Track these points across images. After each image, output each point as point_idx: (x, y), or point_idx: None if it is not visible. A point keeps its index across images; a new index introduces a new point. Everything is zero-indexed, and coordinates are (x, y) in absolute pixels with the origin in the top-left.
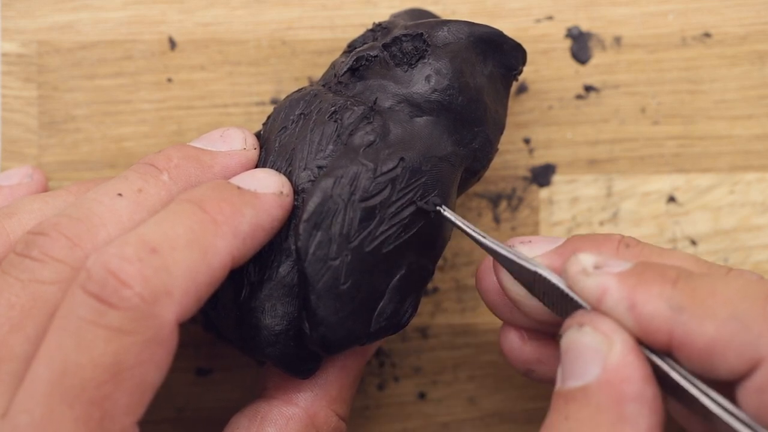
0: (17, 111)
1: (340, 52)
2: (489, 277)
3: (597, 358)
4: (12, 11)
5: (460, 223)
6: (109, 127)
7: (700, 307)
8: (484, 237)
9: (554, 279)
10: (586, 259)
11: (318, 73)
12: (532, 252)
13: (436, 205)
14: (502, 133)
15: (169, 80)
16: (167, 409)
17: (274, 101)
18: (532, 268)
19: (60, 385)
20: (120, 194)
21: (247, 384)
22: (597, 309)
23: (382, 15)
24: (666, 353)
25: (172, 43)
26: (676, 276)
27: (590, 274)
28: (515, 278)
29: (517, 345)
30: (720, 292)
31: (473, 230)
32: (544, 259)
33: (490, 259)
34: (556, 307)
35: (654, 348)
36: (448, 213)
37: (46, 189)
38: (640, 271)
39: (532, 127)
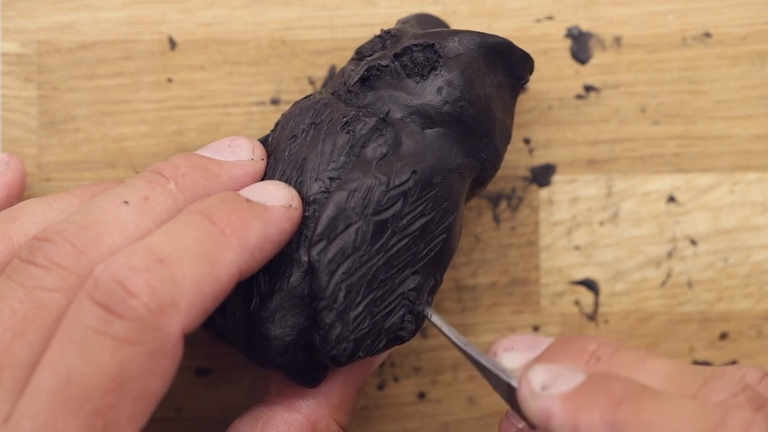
0: (17, 111)
1: (340, 52)
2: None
3: None
4: (12, 11)
5: (446, 331)
6: (109, 127)
7: None
8: (467, 345)
9: None
10: (535, 379)
11: (318, 73)
12: (513, 361)
13: (425, 315)
14: (509, 142)
15: (169, 80)
16: (167, 409)
17: (274, 101)
18: (509, 381)
19: (64, 393)
20: (126, 202)
21: (247, 384)
22: None
23: (382, 15)
24: None
25: (172, 43)
26: (622, 396)
27: (537, 398)
28: (494, 388)
29: None
30: (664, 419)
31: (457, 338)
32: (523, 371)
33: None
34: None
35: None
36: (434, 319)
37: (23, 176)
38: (586, 390)
39: (532, 127)
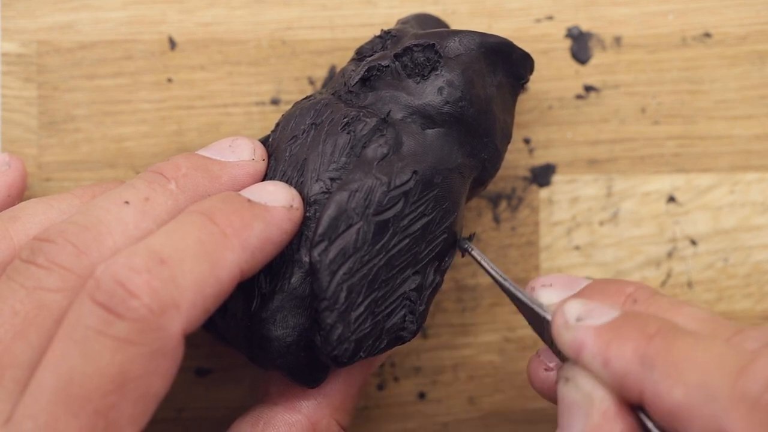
0: (17, 111)
1: (340, 52)
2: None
3: (581, 414)
4: (12, 11)
5: (484, 264)
6: (109, 127)
7: (672, 368)
8: (505, 279)
9: None
10: (570, 311)
11: (318, 73)
12: (550, 297)
13: (466, 249)
14: (509, 142)
15: (169, 80)
16: (167, 409)
17: (274, 101)
18: (543, 315)
19: (65, 394)
20: (127, 202)
21: (247, 384)
22: (577, 363)
23: (382, 15)
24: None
25: (172, 43)
26: (655, 331)
27: (570, 328)
28: (528, 321)
29: (542, 374)
30: (696, 356)
31: (496, 271)
32: (559, 304)
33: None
34: (561, 355)
35: (632, 402)
36: (474, 253)
37: (24, 176)
38: (620, 324)
39: (532, 127)
